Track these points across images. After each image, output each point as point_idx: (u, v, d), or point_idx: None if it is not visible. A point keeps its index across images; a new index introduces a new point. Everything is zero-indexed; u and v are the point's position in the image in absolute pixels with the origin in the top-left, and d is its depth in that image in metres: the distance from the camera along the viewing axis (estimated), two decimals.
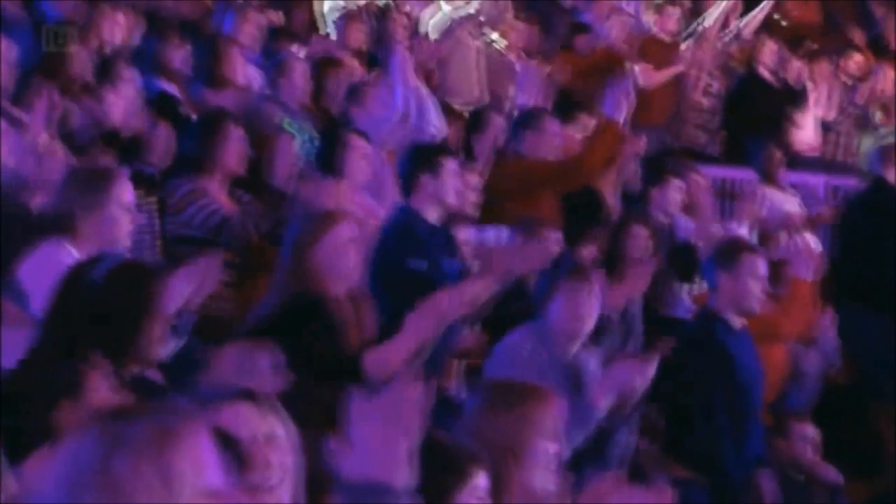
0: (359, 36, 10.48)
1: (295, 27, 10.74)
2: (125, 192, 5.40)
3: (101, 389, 4.04)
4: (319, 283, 5.51)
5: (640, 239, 7.52)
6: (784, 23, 13.77)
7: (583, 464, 5.41)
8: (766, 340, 6.94)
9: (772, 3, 12.98)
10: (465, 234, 7.14)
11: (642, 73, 10.95)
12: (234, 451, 3.31)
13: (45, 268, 4.90)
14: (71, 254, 5.05)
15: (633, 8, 12.41)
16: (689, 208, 8.52)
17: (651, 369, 5.68)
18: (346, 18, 10.79)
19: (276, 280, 5.63)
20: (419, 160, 6.69)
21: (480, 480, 3.72)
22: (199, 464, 2.75)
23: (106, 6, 9.00)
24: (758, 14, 12.86)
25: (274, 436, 3.53)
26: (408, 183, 6.62)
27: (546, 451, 4.14)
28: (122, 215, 5.32)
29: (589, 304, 6.11)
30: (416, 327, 5.18)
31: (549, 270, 6.15)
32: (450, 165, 6.67)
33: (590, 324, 6.12)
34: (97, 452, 2.71)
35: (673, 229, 8.34)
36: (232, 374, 4.31)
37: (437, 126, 8.60)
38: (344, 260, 5.60)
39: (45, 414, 3.90)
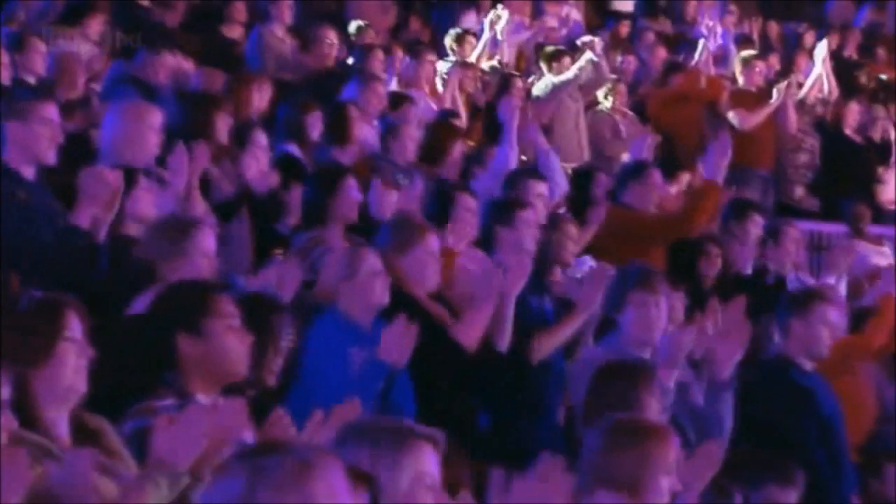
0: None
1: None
2: (208, 240, 5.52)
3: None
4: (403, 284, 5.85)
5: (713, 258, 7.46)
6: (870, 83, 13.73)
7: None
8: (852, 368, 6.90)
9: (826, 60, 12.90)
10: (558, 275, 7.21)
11: (738, 116, 11.02)
12: (369, 486, 3.36)
13: None
14: None
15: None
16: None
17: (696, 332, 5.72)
18: (455, 74, 10.99)
19: None
20: (495, 214, 6.85)
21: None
22: (334, 496, 2.81)
23: (245, 78, 9.21)
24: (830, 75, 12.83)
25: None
26: (487, 236, 6.75)
27: (665, 486, 4.15)
28: (205, 263, 5.43)
29: (658, 313, 6.14)
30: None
31: (617, 284, 6.18)
32: (526, 217, 6.79)
33: (660, 330, 6.12)
34: (243, 485, 2.79)
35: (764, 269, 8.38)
36: None
37: (561, 184, 8.72)
38: (427, 267, 5.90)
39: None
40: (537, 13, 13.16)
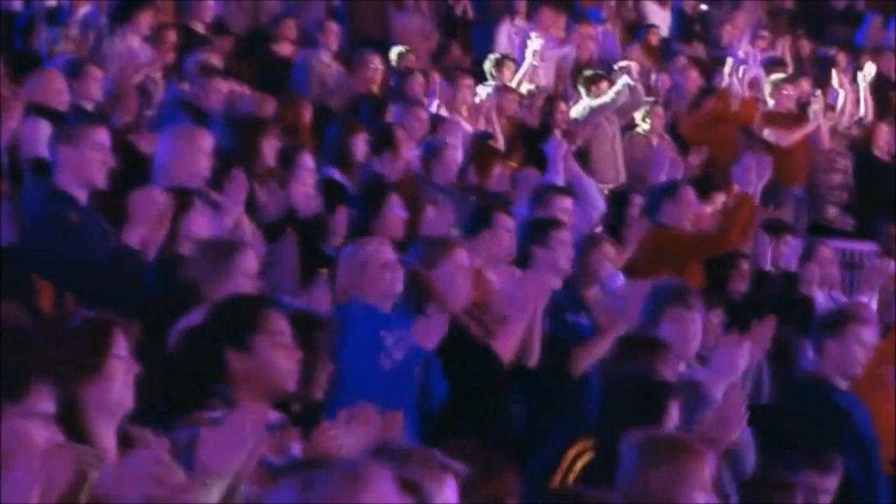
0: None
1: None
2: (250, 262, 5.55)
3: None
4: (438, 302, 5.86)
5: (743, 273, 7.47)
6: None
7: None
8: (881, 379, 6.85)
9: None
10: (595, 293, 7.21)
11: (775, 133, 11.00)
12: (417, 495, 3.36)
13: None
14: None
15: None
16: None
17: (750, 347, 5.70)
18: (491, 98, 11.04)
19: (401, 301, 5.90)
20: (531, 233, 6.85)
21: None
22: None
23: (292, 101, 9.26)
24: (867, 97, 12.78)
25: None
26: (522, 255, 6.75)
27: (700, 502, 4.11)
28: (246, 284, 5.44)
29: (694, 329, 6.10)
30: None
31: (654, 299, 6.16)
32: (561, 236, 6.79)
33: (695, 345, 6.10)
34: (294, 497, 2.80)
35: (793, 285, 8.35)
36: None
37: (598, 206, 8.73)
38: (457, 282, 5.96)
39: None
40: (571, 30, 13.19)
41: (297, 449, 4.24)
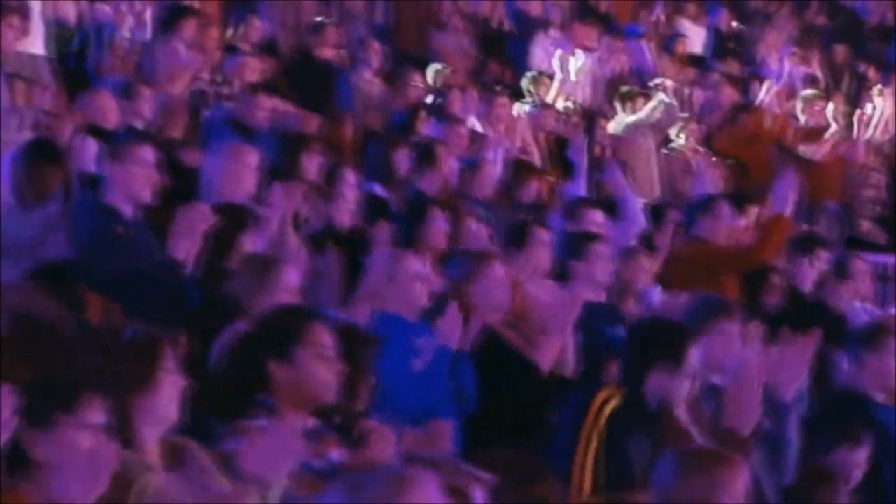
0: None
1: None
2: (291, 277, 5.54)
3: None
4: (473, 311, 5.89)
5: (776, 287, 7.41)
6: None
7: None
8: None
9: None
10: (632, 306, 7.17)
11: (810, 148, 10.96)
12: (463, 500, 3.35)
13: None
14: None
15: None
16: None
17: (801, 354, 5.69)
18: (529, 115, 11.04)
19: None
20: (569, 247, 6.84)
21: None
22: None
23: (335, 119, 9.29)
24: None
25: None
26: (562, 269, 6.73)
27: None
28: (287, 299, 5.45)
29: (735, 342, 6.03)
30: None
31: (698, 310, 6.12)
32: (598, 249, 6.77)
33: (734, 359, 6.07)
34: (342, 499, 2.80)
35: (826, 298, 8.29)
36: None
37: (639, 222, 8.71)
38: (494, 294, 6.00)
39: None
40: (603, 43, 13.21)
41: (336, 455, 4.24)
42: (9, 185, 6.70)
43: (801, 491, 5.37)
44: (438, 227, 7.15)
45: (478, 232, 7.66)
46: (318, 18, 11.97)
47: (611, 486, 5.01)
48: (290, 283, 5.54)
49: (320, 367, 4.32)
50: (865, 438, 5.63)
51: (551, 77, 12.19)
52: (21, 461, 3.45)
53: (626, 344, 5.43)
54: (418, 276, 5.88)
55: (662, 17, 14.88)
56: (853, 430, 5.70)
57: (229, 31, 11.37)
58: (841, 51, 14.97)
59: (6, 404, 3.08)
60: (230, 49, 10.62)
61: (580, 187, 8.84)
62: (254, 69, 10.22)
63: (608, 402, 5.15)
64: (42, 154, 6.86)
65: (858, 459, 5.69)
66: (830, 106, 12.50)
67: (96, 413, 3.51)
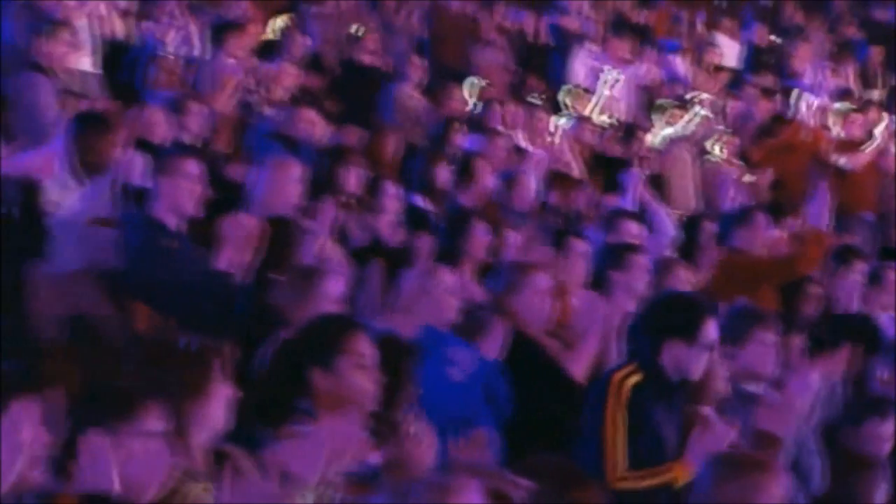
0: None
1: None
2: (334, 287, 5.55)
3: None
4: (517, 322, 5.92)
5: (815, 298, 7.45)
6: None
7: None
8: None
9: None
10: None
11: (846, 159, 10.91)
12: None
13: None
14: None
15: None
16: None
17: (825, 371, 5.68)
18: (568, 128, 11.06)
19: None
20: (609, 257, 6.81)
21: None
22: None
23: (378, 132, 9.32)
24: None
25: None
26: (599, 278, 6.71)
27: None
28: (332, 310, 5.45)
29: (774, 352, 6.00)
30: None
31: (739, 319, 6.08)
32: (638, 260, 6.75)
33: (773, 367, 6.01)
34: None
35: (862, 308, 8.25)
36: None
37: (668, 233, 8.69)
38: (538, 305, 6.01)
39: None
40: (639, 54, 13.20)
41: (373, 458, 4.25)
42: (63, 160, 6.85)
43: (838, 476, 5.39)
44: (479, 238, 7.15)
45: (517, 243, 7.67)
46: (355, 27, 12.05)
47: (644, 462, 5.01)
48: (333, 294, 5.56)
49: (360, 376, 4.34)
50: (892, 409, 5.66)
51: (588, 91, 12.20)
52: (73, 465, 3.47)
53: (640, 319, 5.38)
54: (451, 290, 5.88)
55: (699, 30, 14.88)
56: (881, 404, 5.72)
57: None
58: (875, 60, 14.91)
59: (34, 416, 3.08)
60: (267, 55, 10.71)
61: (628, 203, 8.80)
62: (291, 75, 10.27)
63: (627, 378, 5.14)
64: (91, 126, 7.01)
65: (889, 432, 5.77)
66: (869, 118, 12.44)
67: (155, 420, 3.55)
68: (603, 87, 12.08)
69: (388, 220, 7.61)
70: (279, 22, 12.00)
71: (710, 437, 4.96)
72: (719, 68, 13.95)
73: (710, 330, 5.19)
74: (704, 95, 11.58)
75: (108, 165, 6.92)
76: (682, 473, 4.96)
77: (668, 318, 5.22)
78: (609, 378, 5.18)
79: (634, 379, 5.13)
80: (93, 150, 6.85)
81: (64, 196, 6.80)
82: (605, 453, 5.00)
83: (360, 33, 11.94)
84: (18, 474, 3.00)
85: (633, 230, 7.81)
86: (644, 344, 5.21)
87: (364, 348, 4.38)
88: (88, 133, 6.92)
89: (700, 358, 5.17)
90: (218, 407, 3.99)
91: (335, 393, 4.29)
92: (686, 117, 11.42)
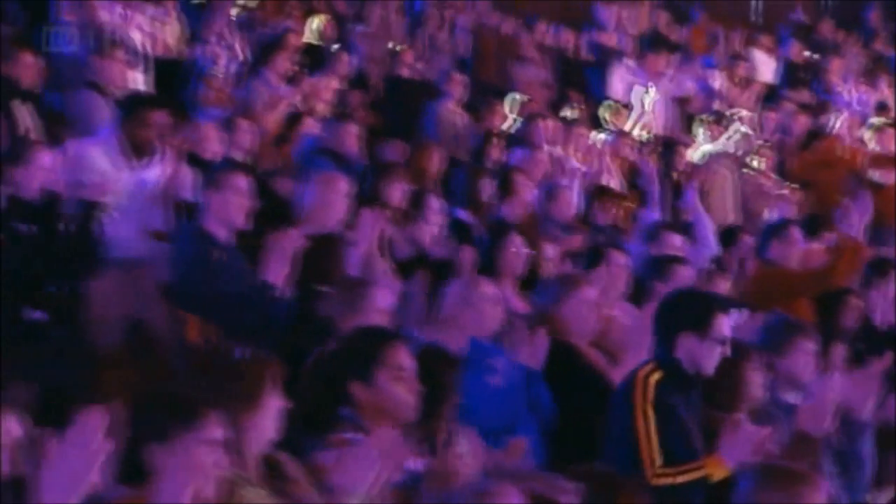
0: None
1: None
2: (382, 299, 5.55)
3: None
4: (564, 334, 5.91)
5: (854, 309, 7.42)
6: None
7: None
8: None
9: None
10: None
11: (881, 173, 10.85)
12: None
13: None
14: None
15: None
16: None
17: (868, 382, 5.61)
18: (608, 143, 11.03)
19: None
20: (653, 269, 6.77)
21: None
22: None
23: (421, 147, 9.32)
24: None
25: None
26: (642, 290, 6.68)
27: None
28: (378, 319, 5.44)
29: (813, 358, 5.97)
30: None
31: (782, 329, 6.02)
32: (682, 272, 6.70)
33: (811, 374, 5.98)
34: None
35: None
36: None
37: (712, 246, 8.65)
38: (583, 316, 6.02)
39: None
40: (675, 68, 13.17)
41: (415, 465, 4.23)
42: (112, 144, 7.02)
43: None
44: (517, 251, 7.13)
45: (556, 256, 7.64)
46: (392, 45, 12.10)
47: (675, 457, 4.98)
48: (381, 304, 5.55)
49: (399, 387, 4.33)
50: None
51: (627, 107, 12.19)
52: (135, 471, 3.47)
53: (655, 317, 5.37)
54: (493, 300, 5.86)
55: (737, 48, 14.84)
56: None
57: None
58: None
59: (102, 425, 3.08)
60: (311, 64, 10.76)
61: (655, 212, 8.80)
62: (331, 89, 10.28)
63: (650, 375, 5.13)
64: (134, 108, 7.17)
65: None
66: None
67: (215, 429, 3.55)
68: (642, 102, 12.07)
69: (431, 232, 7.60)
70: (316, 22, 12.07)
71: (742, 433, 4.92)
72: (750, 81, 13.91)
73: (722, 324, 5.19)
74: (744, 112, 11.55)
75: (154, 144, 7.09)
76: (716, 469, 4.94)
77: (680, 313, 5.25)
78: (633, 377, 5.17)
79: (656, 376, 5.14)
80: (138, 130, 7.03)
81: (119, 178, 6.94)
82: (640, 450, 4.99)
83: (398, 49, 12.00)
84: (90, 484, 3.00)
85: (675, 242, 7.79)
86: (660, 340, 5.23)
87: (402, 360, 4.37)
88: (132, 115, 7.10)
89: (713, 351, 5.16)
90: (270, 417, 3.99)
91: (376, 405, 4.29)
92: (726, 134, 11.39)
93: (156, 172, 7.11)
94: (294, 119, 9.53)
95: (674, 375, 5.12)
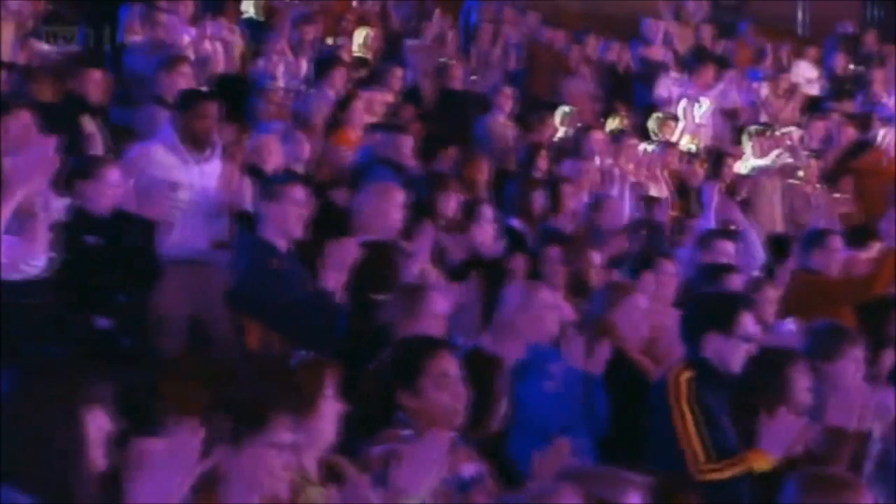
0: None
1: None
2: (438, 304, 5.54)
3: None
4: (616, 341, 5.89)
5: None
6: None
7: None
8: None
9: None
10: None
11: None
12: None
13: None
14: None
15: None
16: None
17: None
18: (656, 154, 11.01)
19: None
20: (703, 276, 6.89)
21: None
22: None
23: (474, 158, 9.33)
24: None
25: None
26: (690, 297, 6.66)
27: None
28: (434, 324, 5.44)
29: (861, 364, 5.91)
30: None
31: (832, 335, 5.97)
32: (732, 280, 6.72)
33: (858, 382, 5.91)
34: None
35: None
36: None
37: (758, 256, 8.61)
38: (634, 322, 6.01)
39: None
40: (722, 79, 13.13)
41: (469, 470, 4.24)
42: (174, 140, 7.06)
43: None
44: (556, 262, 7.16)
45: (600, 264, 7.62)
46: (443, 59, 12.13)
47: (716, 452, 4.96)
48: (438, 310, 5.54)
49: (445, 395, 4.31)
50: None
51: (675, 118, 12.16)
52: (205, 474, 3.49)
53: (682, 318, 5.38)
54: (550, 307, 5.85)
55: (783, 60, 14.75)
56: None
57: None
58: None
59: (198, 439, 3.08)
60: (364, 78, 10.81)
61: (710, 222, 8.75)
62: (382, 102, 10.33)
63: (681, 374, 5.12)
64: (191, 102, 7.19)
65: None
66: None
67: (284, 432, 3.55)
68: (692, 114, 12.04)
69: (485, 240, 7.60)
70: (364, 35, 12.13)
71: (782, 425, 4.89)
72: (794, 92, 13.82)
73: (746, 322, 5.19)
74: (794, 130, 11.50)
75: (211, 135, 7.13)
76: (759, 462, 4.90)
77: (704, 313, 5.25)
78: (664, 379, 5.17)
79: (687, 374, 5.13)
80: (195, 122, 7.07)
81: (181, 174, 6.99)
82: (683, 447, 4.97)
83: (448, 63, 12.04)
84: (183, 495, 3.00)
85: (727, 250, 7.74)
86: (687, 341, 5.22)
87: (446, 367, 4.35)
88: (188, 108, 7.13)
89: (738, 349, 5.16)
90: (329, 421, 4.00)
91: (423, 413, 4.28)
92: (776, 152, 11.36)
93: (216, 169, 7.14)
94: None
95: (704, 374, 5.11)
